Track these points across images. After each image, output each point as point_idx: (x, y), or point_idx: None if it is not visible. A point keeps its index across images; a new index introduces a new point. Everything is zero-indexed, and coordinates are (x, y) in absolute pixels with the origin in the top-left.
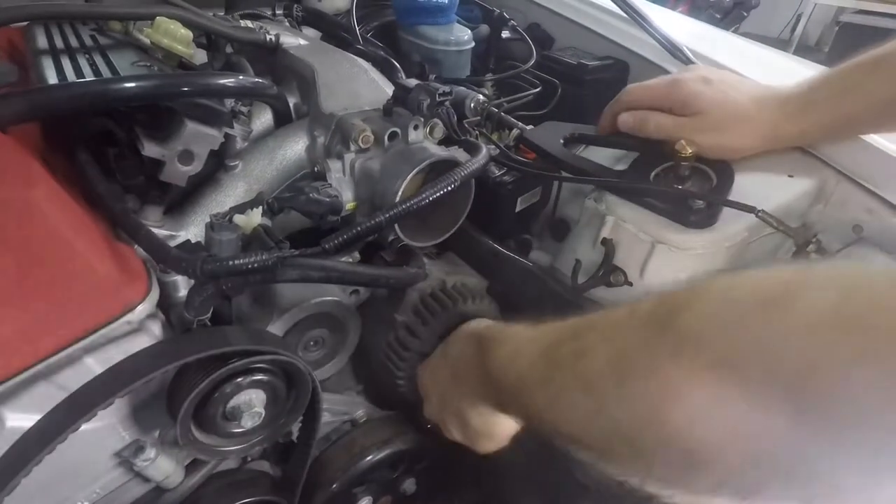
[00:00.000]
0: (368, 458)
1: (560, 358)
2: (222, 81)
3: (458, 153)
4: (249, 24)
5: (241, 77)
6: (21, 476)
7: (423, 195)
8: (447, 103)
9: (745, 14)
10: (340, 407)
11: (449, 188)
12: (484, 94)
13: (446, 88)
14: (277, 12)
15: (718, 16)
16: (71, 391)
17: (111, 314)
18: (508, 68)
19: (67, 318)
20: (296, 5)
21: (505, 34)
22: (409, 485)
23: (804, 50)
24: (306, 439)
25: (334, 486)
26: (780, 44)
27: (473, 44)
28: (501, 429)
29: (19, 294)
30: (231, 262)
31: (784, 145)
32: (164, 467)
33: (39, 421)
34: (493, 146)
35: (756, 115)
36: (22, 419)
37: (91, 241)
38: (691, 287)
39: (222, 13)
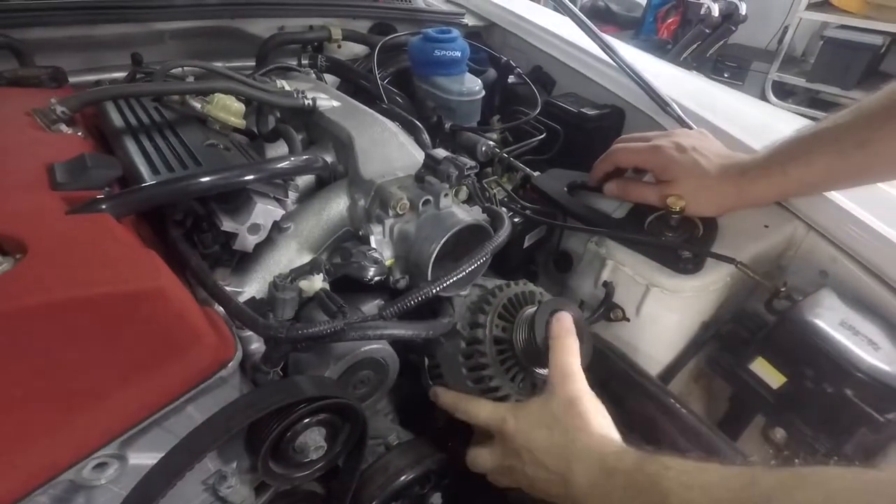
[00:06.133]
0: (403, 477)
1: None
2: (281, 166)
3: (480, 214)
4: (286, 85)
5: (293, 158)
6: None
7: (464, 268)
8: (472, 174)
9: (734, 28)
10: (376, 433)
11: (483, 258)
12: (493, 141)
13: (472, 164)
14: (303, 62)
15: (708, 30)
16: (177, 435)
17: (210, 371)
18: (514, 111)
19: (179, 377)
20: (319, 56)
21: (511, 79)
22: (436, 499)
23: (790, 61)
24: (354, 463)
25: (374, 502)
26: (768, 55)
27: (484, 93)
28: None
29: (147, 362)
30: (310, 330)
31: (749, 205)
32: (242, 492)
33: (160, 461)
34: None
35: (719, 187)
36: (141, 458)
37: (197, 314)
38: None
39: (253, 63)
